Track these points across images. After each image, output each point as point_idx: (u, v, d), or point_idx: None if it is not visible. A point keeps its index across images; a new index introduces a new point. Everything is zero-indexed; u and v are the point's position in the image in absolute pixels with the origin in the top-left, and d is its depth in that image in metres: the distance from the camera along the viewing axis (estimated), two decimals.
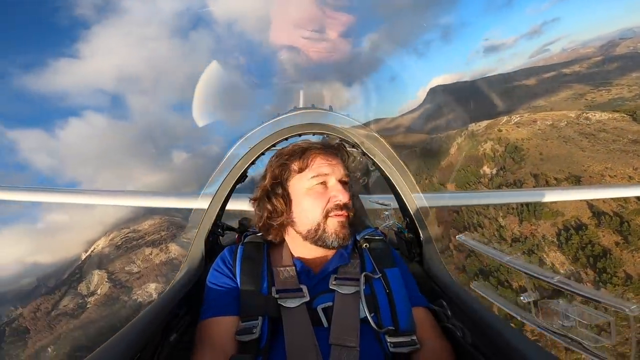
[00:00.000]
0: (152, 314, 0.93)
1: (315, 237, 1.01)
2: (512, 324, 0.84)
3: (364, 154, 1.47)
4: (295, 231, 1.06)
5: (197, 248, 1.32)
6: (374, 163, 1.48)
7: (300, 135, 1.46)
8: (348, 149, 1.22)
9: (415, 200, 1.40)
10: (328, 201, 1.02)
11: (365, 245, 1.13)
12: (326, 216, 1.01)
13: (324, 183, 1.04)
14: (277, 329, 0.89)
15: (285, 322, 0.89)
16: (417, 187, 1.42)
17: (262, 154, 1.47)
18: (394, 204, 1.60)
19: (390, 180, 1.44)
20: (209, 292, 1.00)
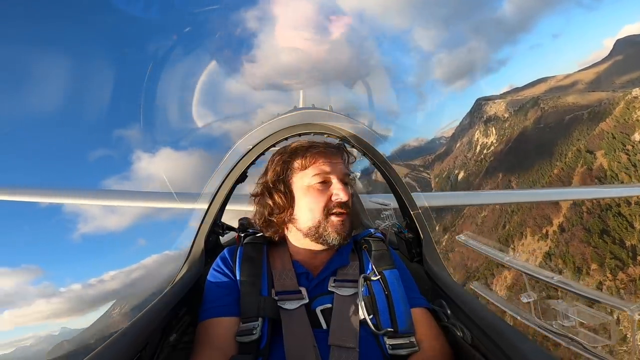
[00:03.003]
0: (152, 314, 0.92)
1: (316, 235, 1.02)
2: (512, 324, 0.84)
3: (364, 154, 1.47)
4: (296, 228, 1.06)
5: (197, 248, 1.32)
6: (374, 163, 1.48)
7: (300, 135, 1.46)
8: (348, 148, 1.22)
9: (415, 200, 1.40)
10: (329, 199, 1.03)
11: (365, 247, 1.13)
12: (327, 214, 1.02)
13: (325, 182, 1.05)
14: (277, 331, 0.89)
15: (285, 324, 0.89)
16: (417, 187, 1.42)
17: (262, 154, 1.47)
18: (394, 204, 1.60)
19: (390, 180, 1.44)
20: (209, 292, 1.00)
